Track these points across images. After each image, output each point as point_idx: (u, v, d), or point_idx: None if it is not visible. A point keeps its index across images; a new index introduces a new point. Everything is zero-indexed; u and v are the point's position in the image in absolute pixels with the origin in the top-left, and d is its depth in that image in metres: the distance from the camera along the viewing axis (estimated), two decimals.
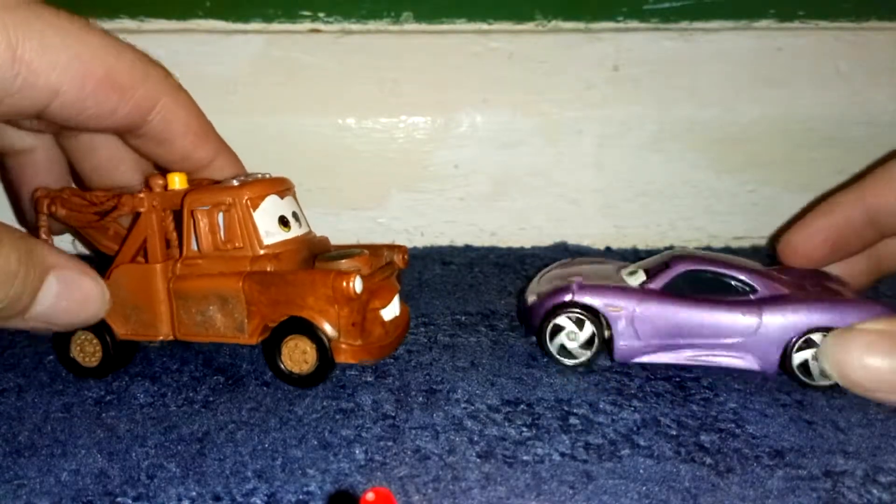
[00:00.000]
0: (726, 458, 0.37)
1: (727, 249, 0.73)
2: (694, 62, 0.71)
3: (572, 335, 0.48)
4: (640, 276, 0.49)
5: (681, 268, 0.48)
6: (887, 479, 0.36)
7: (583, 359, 0.48)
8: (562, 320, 0.48)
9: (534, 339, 0.52)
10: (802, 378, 0.45)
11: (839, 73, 0.71)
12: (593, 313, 0.47)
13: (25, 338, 0.52)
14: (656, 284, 0.48)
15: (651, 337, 0.47)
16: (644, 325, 0.47)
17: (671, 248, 0.73)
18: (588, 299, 0.47)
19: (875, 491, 0.35)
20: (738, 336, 0.46)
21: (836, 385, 0.43)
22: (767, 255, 0.70)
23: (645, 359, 0.47)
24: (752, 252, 0.72)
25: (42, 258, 0.42)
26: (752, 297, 0.47)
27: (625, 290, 0.48)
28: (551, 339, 0.48)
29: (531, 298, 0.50)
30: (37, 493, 0.35)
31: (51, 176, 0.54)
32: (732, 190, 0.73)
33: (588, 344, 0.48)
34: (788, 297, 0.47)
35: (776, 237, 0.56)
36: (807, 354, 0.45)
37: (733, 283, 0.48)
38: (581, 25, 0.72)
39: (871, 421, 0.41)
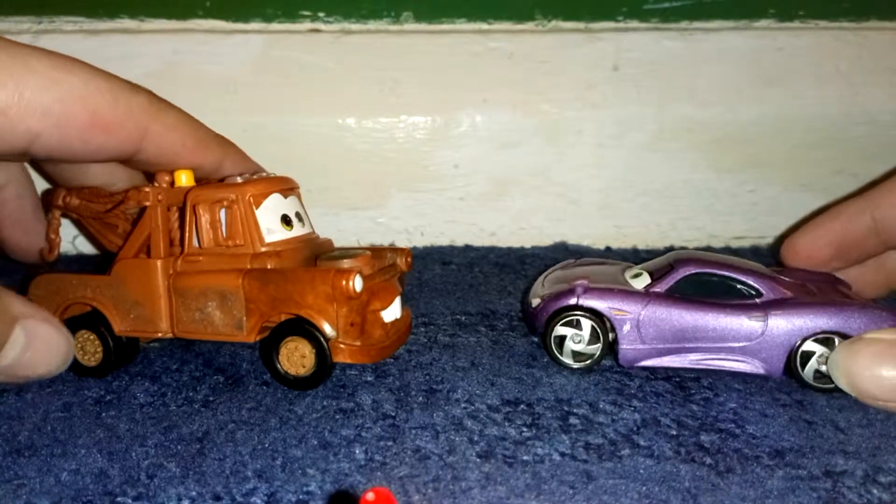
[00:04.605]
0: (726, 458, 0.37)
1: (727, 249, 0.73)
2: (694, 62, 0.71)
3: (577, 338, 0.47)
4: (645, 279, 0.49)
5: (685, 271, 0.47)
6: (887, 479, 0.36)
7: (590, 361, 0.47)
8: (565, 325, 0.47)
9: (535, 338, 0.52)
10: (809, 382, 0.45)
11: (839, 73, 0.71)
12: (598, 316, 0.47)
13: None
14: (661, 287, 0.47)
15: (656, 341, 0.46)
16: (649, 328, 0.46)
17: (671, 248, 0.73)
18: (592, 303, 0.47)
19: (875, 491, 0.35)
20: (743, 340, 0.46)
21: (838, 388, 0.43)
22: (772, 256, 0.70)
23: (649, 363, 0.47)
24: (752, 252, 0.72)
25: (8, 308, 0.41)
26: (757, 300, 0.46)
27: (630, 294, 0.47)
28: (559, 343, 0.47)
29: (535, 301, 0.50)
30: (37, 493, 0.35)
31: (20, 211, 0.54)
32: (732, 190, 0.73)
33: (593, 340, 0.47)
34: (793, 301, 0.46)
35: (782, 238, 0.56)
36: (812, 358, 0.45)
37: (739, 286, 0.47)
38: (581, 25, 0.72)
39: (871, 421, 0.41)
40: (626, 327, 0.46)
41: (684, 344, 0.46)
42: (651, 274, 0.49)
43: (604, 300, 0.47)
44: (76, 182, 0.53)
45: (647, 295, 0.47)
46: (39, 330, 0.43)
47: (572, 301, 0.47)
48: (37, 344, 0.43)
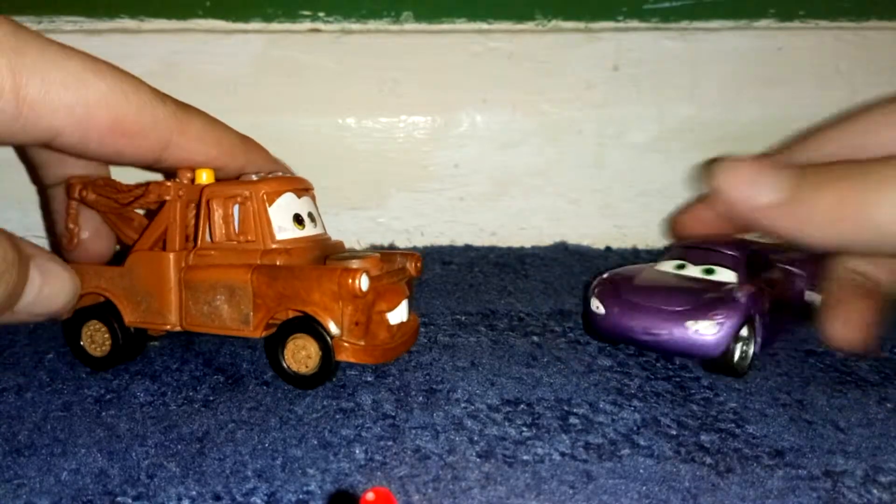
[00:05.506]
0: (726, 458, 0.37)
1: None
2: (694, 62, 0.71)
3: (743, 344, 0.47)
4: (724, 273, 0.50)
5: (742, 254, 0.51)
6: (887, 479, 0.36)
7: (746, 363, 0.48)
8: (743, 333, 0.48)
9: (534, 338, 0.52)
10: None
11: (839, 73, 0.71)
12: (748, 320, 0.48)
13: (25, 337, 0.52)
14: (745, 277, 0.50)
15: (767, 326, 0.49)
16: (767, 317, 0.49)
17: (672, 248, 0.73)
18: (754, 308, 0.48)
19: (875, 491, 0.35)
20: (799, 298, 0.54)
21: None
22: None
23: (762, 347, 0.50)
24: None
25: (22, 249, 0.43)
26: (782, 266, 0.54)
27: (757, 292, 0.49)
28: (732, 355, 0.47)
29: (708, 325, 0.46)
30: (37, 492, 0.35)
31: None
32: None
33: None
34: (796, 259, 0.55)
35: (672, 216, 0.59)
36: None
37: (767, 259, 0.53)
38: (581, 25, 0.72)
39: (871, 421, 0.41)
40: (762, 320, 0.49)
41: (772, 316, 0.50)
42: (724, 266, 0.51)
43: (756, 303, 0.48)
44: (52, 167, 0.52)
45: (757, 288, 0.49)
46: (49, 267, 0.45)
47: (748, 312, 0.47)
48: (50, 280, 0.44)
